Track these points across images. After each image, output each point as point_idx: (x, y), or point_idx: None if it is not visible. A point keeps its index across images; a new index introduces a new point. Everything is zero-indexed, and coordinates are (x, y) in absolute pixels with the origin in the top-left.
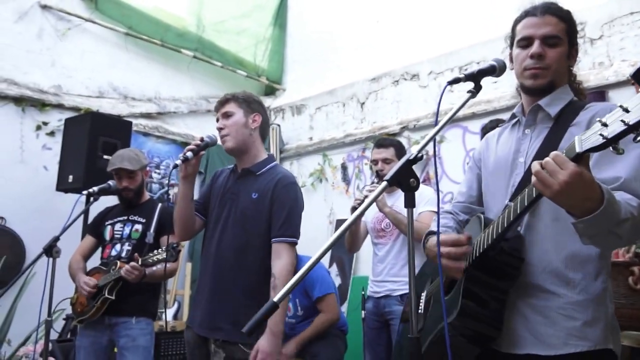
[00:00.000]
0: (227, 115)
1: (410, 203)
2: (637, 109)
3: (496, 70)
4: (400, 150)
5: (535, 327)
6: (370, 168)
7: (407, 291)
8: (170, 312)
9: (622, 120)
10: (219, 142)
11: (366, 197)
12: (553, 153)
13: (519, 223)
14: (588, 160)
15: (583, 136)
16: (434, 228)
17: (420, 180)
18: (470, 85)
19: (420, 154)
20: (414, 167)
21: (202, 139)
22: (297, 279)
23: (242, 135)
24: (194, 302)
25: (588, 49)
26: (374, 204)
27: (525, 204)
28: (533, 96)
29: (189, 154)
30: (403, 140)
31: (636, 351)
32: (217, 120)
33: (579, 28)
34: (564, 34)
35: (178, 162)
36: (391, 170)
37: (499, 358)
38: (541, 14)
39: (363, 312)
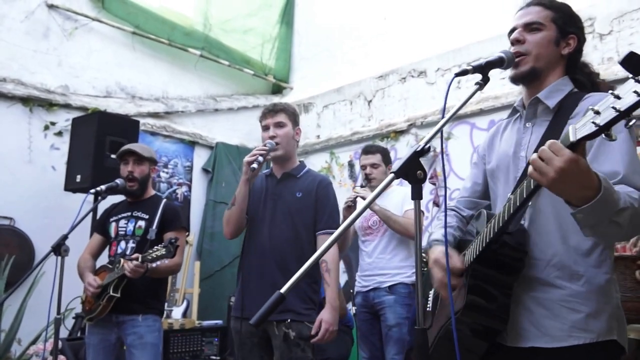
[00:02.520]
0: (279, 125)
1: (417, 195)
2: (627, 95)
3: (504, 61)
4: (386, 156)
5: (539, 320)
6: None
7: (394, 282)
8: (179, 310)
9: (613, 107)
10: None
11: (357, 196)
12: (549, 141)
13: (521, 216)
14: (584, 149)
15: (577, 125)
16: (434, 234)
17: (428, 177)
18: (478, 78)
19: (427, 146)
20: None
21: (265, 145)
22: (304, 269)
23: (290, 146)
24: (246, 294)
25: (597, 44)
26: (364, 202)
27: (524, 196)
28: (524, 86)
29: (260, 158)
30: (411, 137)
31: None
32: (267, 127)
33: (588, 23)
34: (547, 21)
35: (255, 165)
36: (397, 163)
37: (503, 352)
38: (527, 6)
39: (354, 308)
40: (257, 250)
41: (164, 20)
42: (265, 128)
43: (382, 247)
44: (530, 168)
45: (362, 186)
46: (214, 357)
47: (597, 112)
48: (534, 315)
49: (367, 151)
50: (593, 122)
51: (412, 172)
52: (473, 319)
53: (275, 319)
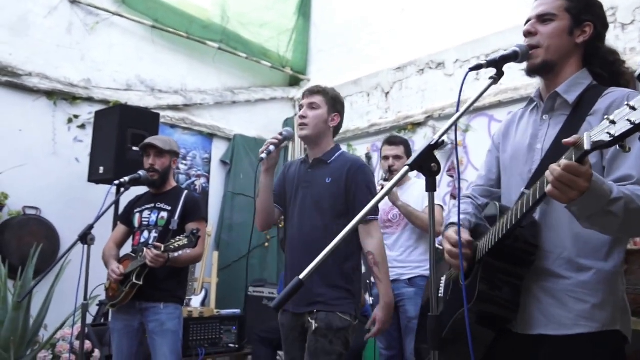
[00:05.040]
0: (312, 106)
1: (431, 187)
2: None
3: (519, 55)
4: (408, 148)
5: (547, 309)
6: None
7: (414, 275)
8: (198, 299)
9: (628, 120)
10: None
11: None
12: (564, 164)
13: (534, 211)
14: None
15: (592, 133)
16: (451, 219)
17: (446, 170)
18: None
19: (441, 140)
20: (438, 156)
21: (281, 134)
22: (321, 258)
23: (320, 129)
24: (285, 284)
25: (619, 34)
26: (387, 196)
27: (537, 197)
28: (540, 77)
29: (272, 147)
30: (428, 129)
31: None
32: (301, 107)
33: (610, 13)
34: (561, 10)
35: (263, 155)
36: (413, 156)
37: (512, 338)
38: None
39: (371, 298)
40: (290, 240)
41: (182, 13)
42: (300, 108)
43: (403, 241)
44: (549, 187)
45: (385, 179)
46: (232, 345)
47: (613, 122)
48: (542, 304)
49: (390, 142)
50: (608, 133)
51: (427, 164)
52: (483, 309)
53: (307, 310)
